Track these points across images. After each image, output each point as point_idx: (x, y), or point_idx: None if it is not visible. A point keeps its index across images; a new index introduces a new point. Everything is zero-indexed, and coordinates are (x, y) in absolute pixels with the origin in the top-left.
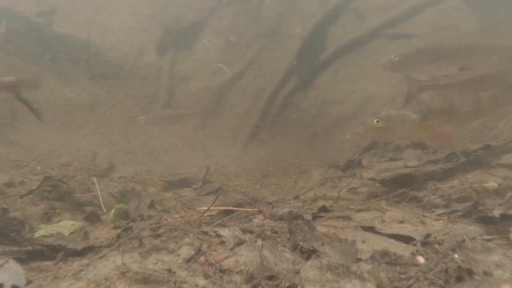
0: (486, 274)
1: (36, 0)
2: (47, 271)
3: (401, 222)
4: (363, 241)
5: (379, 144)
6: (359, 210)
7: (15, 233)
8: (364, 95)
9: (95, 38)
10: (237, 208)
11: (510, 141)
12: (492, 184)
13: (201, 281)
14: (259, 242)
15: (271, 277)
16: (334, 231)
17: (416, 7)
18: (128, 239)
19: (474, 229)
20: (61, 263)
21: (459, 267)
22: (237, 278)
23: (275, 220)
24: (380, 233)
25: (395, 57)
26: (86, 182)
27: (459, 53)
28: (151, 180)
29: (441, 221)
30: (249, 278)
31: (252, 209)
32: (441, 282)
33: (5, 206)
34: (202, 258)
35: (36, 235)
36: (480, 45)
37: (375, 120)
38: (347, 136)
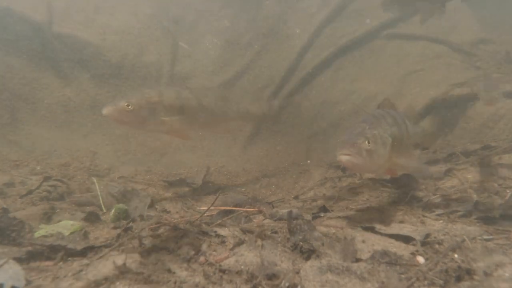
0: (486, 274)
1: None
2: (47, 271)
3: (401, 222)
4: (363, 241)
5: None
6: (359, 210)
7: (15, 233)
8: (364, 95)
9: (95, 38)
10: (237, 208)
11: (510, 141)
12: (492, 184)
13: (201, 281)
14: (259, 242)
15: (271, 277)
16: (334, 231)
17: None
18: (128, 239)
19: (474, 229)
20: (61, 263)
21: (459, 267)
22: (237, 278)
23: (275, 220)
24: (380, 233)
25: (127, 105)
26: (86, 182)
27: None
28: (151, 180)
29: (441, 221)
30: (249, 278)
31: (252, 209)
32: (441, 282)
33: (5, 206)
34: (202, 258)
35: (36, 235)
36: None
37: (366, 141)
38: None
